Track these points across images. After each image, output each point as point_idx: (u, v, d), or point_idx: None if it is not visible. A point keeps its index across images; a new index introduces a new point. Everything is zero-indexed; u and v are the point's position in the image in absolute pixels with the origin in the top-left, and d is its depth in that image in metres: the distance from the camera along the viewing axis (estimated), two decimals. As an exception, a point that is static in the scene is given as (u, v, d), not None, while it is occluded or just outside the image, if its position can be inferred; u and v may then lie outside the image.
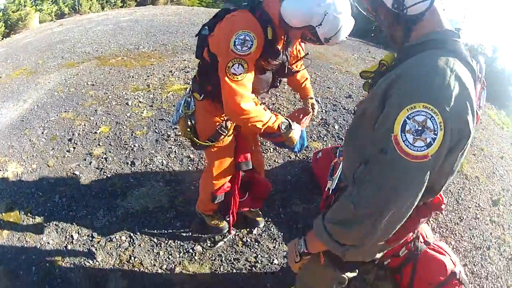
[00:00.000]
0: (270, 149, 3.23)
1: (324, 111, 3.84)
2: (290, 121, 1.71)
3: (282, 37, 1.59)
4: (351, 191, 0.92)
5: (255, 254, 2.37)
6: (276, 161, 3.12)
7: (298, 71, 1.90)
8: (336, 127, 3.59)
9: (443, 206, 1.16)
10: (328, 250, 1.14)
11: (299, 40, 1.65)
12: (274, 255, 2.37)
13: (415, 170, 0.81)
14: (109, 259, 2.37)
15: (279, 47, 1.59)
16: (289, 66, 1.70)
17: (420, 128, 0.78)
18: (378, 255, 1.23)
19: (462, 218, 3.09)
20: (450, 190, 3.33)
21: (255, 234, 2.48)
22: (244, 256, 2.35)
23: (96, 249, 2.41)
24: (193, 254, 2.38)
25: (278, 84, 1.81)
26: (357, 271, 1.35)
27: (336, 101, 4.05)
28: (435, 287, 2.24)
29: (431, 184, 0.87)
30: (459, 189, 3.39)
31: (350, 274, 1.33)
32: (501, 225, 3.22)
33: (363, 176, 0.89)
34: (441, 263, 2.26)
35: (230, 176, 2.01)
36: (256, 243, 2.44)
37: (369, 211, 0.86)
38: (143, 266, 2.34)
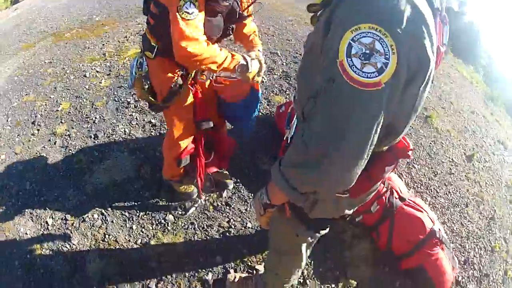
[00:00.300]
0: None
1: (284, 63, 3.66)
2: (249, 59, 1.59)
3: None
4: (301, 129, 0.83)
5: (227, 219, 2.20)
6: None
7: (249, 15, 1.73)
8: (296, 77, 3.17)
9: (410, 153, 1.03)
10: (294, 206, 1.10)
11: None
12: (247, 218, 2.21)
13: (367, 99, 0.70)
14: (84, 241, 2.25)
15: None
16: (240, 12, 1.59)
17: (368, 52, 0.69)
18: (347, 211, 1.15)
19: (436, 173, 2.93)
20: (421, 143, 3.15)
21: (225, 197, 2.30)
22: (217, 222, 2.17)
23: (71, 232, 2.29)
24: (166, 225, 2.21)
25: (231, 33, 1.69)
26: (327, 228, 1.26)
27: (297, 53, 3.84)
28: (415, 246, 2.10)
29: (392, 122, 0.80)
30: (430, 143, 3.20)
31: (320, 232, 1.26)
32: (477, 182, 3.09)
33: (312, 111, 0.79)
34: (419, 220, 2.11)
35: (192, 137, 1.86)
36: (228, 207, 2.26)
37: (321, 148, 0.75)
38: (118, 243, 2.22)
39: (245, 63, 1.57)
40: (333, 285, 2.06)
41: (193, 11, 1.31)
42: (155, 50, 1.58)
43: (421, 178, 2.86)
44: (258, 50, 1.80)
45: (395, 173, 2.78)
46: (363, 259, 2.19)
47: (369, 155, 0.76)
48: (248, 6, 1.69)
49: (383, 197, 2.12)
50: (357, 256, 2.18)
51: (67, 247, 2.22)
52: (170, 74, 1.63)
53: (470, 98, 4.40)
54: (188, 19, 1.30)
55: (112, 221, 2.31)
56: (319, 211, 1.10)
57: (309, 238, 1.28)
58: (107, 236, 2.24)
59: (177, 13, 1.30)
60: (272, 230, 1.38)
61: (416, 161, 2.97)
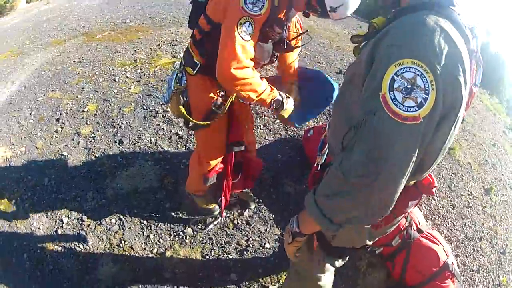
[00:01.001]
0: (260, 126, 3.05)
1: None
2: (284, 97, 1.57)
3: (285, 6, 1.46)
4: (340, 160, 0.84)
5: (246, 238, 2.25)
6: (267, 138, 2.95)
7: (297, 47, 1.74)
8: (332, 107, 3.25)
9: (434, 190, 1.06)
10: (319, 235, 1.10)
11: (301, 11, 1.54)
12: (266, 239, 2.26)
13: (406, 133, 0.74)
14: (99, 243, 2.29)
15: (281, 16, 1.46)
16: (287, 41, 1.58)
17: (409, 86, 0.72)
18: (368, 242, 1.18)
19: (454, 206, 2.95)
20: (442, 176, 3.20)
21: (246, 216, 2.35)
22: (235, 240, 2.23)
23: (86, 233, 2.33)
24: (184, 237, 2.27)
25: (275, 60, 1.66)
26: (347, 258, 1.29)
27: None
28: (428, 278, 2.13)
29: (421, 158, 0.80)
30: (451, 175, 3.24)
31: (339, 261, 1.28)
32: (493, 216, 3.10)
33: (352, 141, 0.81)
34: (434, 253, 2.15)
35: (222, 157, 1.87)
36: (247, 226, 2.31)
37: (360, 179, 0.78)
38: (133, 250, 2.26)
39: (280, 99, 1.55)
40: None
41: (250, 33, 1.29)
42: (198, 67, 1.54)
43: (439, 210, 2.87)
44: (293, 84, 1.80)
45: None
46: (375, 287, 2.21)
47: (402, 188, 0.79)
48: (296, 37, 1.70)
49: (401, 228, 2.15)
50: (371, 285, 2.21)
51: (80, 248, 2.25)
52: (211, 94, 1.60)
53: (492, 129, 4.39)
54: (244, 40, 1.27)
55: (130, 228, 2.34)
56: (342, 239, 1.14)
57: (329, 265, 1.30)
58: (122, 241, 2.27)
59: (236, 31, 1.25)
60: (296, 262, 1.38)
61: (436, 193, 3.00)
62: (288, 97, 1.61)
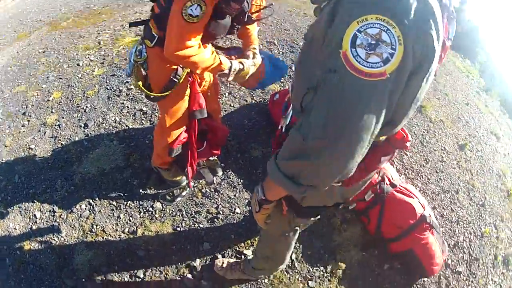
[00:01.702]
0: (225, 94, 2.98)
1: (281, 53, 3.67)
2: (245, 63, 1.62)
3: None
4: (300, 122, 0.81)
5: (216, 205, 2.16)
6: (232, 105, 2.88)
7: (258, 20, 1.76)
8: (294, 68, 3.20)
9: (408, 144, 1.02)
10: (288, 197, 1.08)
11: None
12: (236, 204, 2.18)
13: (370, 89, 0.69)
14: (72, 232, 2.21)
15: None
16: (249, 14, 1.57)
17: (373, 42, 0.68)
18: (340, 199, 1.16)
19: (428, 161, 2.97)
20: (414, 132, 3.20)
21: (214, 184, 2.25)
22: (205, 208, 2.13)
23: (59, 224, 2.25)
24: (154, 213, 2.17)
25: (235, 31, 1.65)
26: (318, 217, 1.27)
27: (294, 42, 3.86)
28: (405, 231, 2.11)
29: (392, 113, 0.76)
30: (423, 132, 3.25)
31: (311, 221, 1.27)
32: (468, 170, 3.15)
33: (311, 102, 0.77)
34: (409, 206, 2.13)
35: (185, 126, 1.83)
36: (216, 193, 2.22)
37: (320, 141, 0.74)
38: (105, 233, 2.18)
39: (237, 67, 1.58)
40: (322, 268, 2.03)
41: (198, 15, 1.29)
42: (156, 39, 1.55)
43: (412, 165, 2.87)
44: (254, 49, 1.79)
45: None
46: (352, 243, 2.17)
47: (369, 146, 0.76)
48: (258, 11, 1.69)
49: (373, 182, 2.11)
50: (346, 240, 2.17)
51: (55, 240, 2.18)
52: (169, 65, 1.61)
53: (465, 90, 4.43)
54: (190, 22, 1.28)
55: (100, 211, 2.26)
56: (312, 200, 1.11)
57: (301, 225, 1.29)
58: (94, 226, 2.20)
59: (181, 14, 1.27)
60: (269, 226, 1.35)
61: (409, 146, 3.00)
62: (247, 60, 1.65)
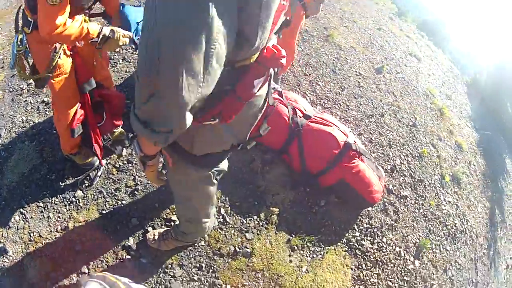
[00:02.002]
0: (119, 61, 2.85)
1: None
2: (115, 30, 1.59)
3: None
4: None
5: (132, 177, 2.07)
6: (128, 71, 2.75)
7: None
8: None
9: (283, 60, 0.92)
10: (178, 148, 1.05)
11: None
12: None
13: (190, 10, 0.62)
14: (17, 248, 2.08)
15: None
16: None
17: None
18: (233, 140, 1.10)
19: (343, 88, 2.93)
20: (323, 61, 3.14)
21: (125, 155, 2.15)
22: (123, 183, 2.03)
23: (4, 244, 2.11)
24: (77, 202, 2.06)
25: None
26: (221, 163, 1.24)
27: None
28: (331, 162, 2.03)
29: (242, 33, 0.73)
30: (333, 60, 3.20)
31: (214, 168, 1.23)
32: (391, 92, 3.10)
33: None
34: (329, 135, 2.06)
35: (78, 103, 1.80)
36: (130, 165, 2.12)
37: (145, 78, 0.70)
38: (42, 237, 2.06)
39: (106, 33, 1.56)
40: (255, 217, 1.97)
41: None
42: (32, 24, 1.54)
43: (327, 94, 2.81)
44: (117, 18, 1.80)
45: (298, 93, 2.73)
46: (279, 184, 2.11)
47: (214, 70, 0.70)
48: None
49: (285, 118, 2.03)
50: (272, 183, 2.10)
51: (6, 262, 2.05)
52: (47, 45, 1.60)
53: (376, 16, 4.39)
54: (53, 4, 1.30)
55: (32, 217, 2.13)
56: (202, 147, 1.05)
57: (204, 177, 1.23)
58: (31, 234, 2.08)
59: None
60: (170, 181, 1.32)
61: (320, 79, 2.92)
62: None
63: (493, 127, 4.56)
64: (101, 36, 1.53)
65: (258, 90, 0.92)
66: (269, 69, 0.93)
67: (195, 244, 1.86)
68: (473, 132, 3.89)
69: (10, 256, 2.02)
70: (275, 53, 0.91)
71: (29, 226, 2.09)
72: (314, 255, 2.03)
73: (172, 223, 1.89)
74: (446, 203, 2.89)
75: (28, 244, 2.05)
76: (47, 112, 2.49)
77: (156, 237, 1.79)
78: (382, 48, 3.66)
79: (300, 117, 2.07)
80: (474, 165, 3.48)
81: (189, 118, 0.77)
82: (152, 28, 0.65)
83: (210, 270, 1.84)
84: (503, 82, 5.23)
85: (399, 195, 2.50)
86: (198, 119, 0.89)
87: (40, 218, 2.10)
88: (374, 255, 2.24)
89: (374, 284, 2.21)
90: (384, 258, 2.29)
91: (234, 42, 0.72)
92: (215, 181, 1.31)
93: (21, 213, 2.15)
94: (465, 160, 3.37)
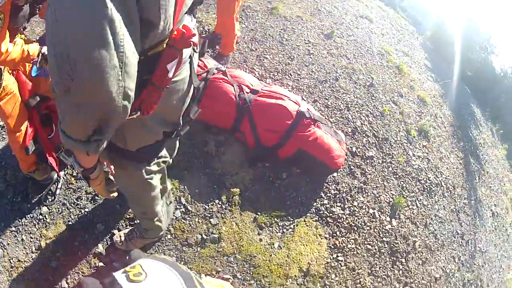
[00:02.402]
0: None
1: None
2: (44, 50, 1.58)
3: None
4: None
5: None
6: None
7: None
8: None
9: (194, 39, 0.91)
10: (115, 149, 1.05)
11: None
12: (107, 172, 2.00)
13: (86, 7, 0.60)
14: (2, 277, 2.07)
15: None
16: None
17: None
18: (165, 128, 1.09)
19: (293, 57, 2.89)
20: (269, 34, 3.09)
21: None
22: (83, 190, 2.04)
23: None
24: (45, 218, 2.06)
25: (37, 12, 1.64)
26: (162, 155, 1.23)
27: None
28: (286, 133, 2.02)
29: (146, 18, 0.72)
30: (280, 31, 3.16)
31: (156, 160, 1.22)
32: (343, 55, 3.08)
33: None
34: (279, 107, 2.03)
35: (27, 119, 1.82)
36: None
37: (60, 88, 0.68)
38: (21, 262, 2.05)
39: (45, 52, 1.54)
40: (217, 201, 1.97)
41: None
42: None
43: (276, 66, 2.77)
44: None
45: (246, 70, 2.72)
46: (237, 164, 2.11)
47: (130, 60, 0.69)
48: None
49: (231, 96, 2.00)
50: (229, 164, 2.09)
51: None
52: None
53: None
54: None
55: (8, 244, 2.12)
56: (134, 141, 1.04)
57: (145, 171, 1.21)
58: (11, 261, 2.06)
59: None
60: (118, 181, 1.30)
61: (268, 52, 2.89)
62: None
63: (455, 78, 4.61)
64: (40, 56, 1.55)
65: (174, 75, 0.91)
66: (181, 51, 0.90)
67: (162, 239, 1.87)
68: (435, 85, 3.93)
69: (-1, 287, 2.06)
70: (184, 33, 0.90)
71: (8, 253, 2.07)
72: (284, 230, 2.05)
73: (136, 221, 1.90)
74: (416, 158, 2.92)
75: (11, 271, 2.04)
76: (3, 135, 2.44)
77: (123, 238, 1.80)
78: (330, 14, 3.64)
79: (247, 92, 2.05)
80: (441, 117, 3.53)
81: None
82: (54, 33, 0.64)
83: (182, 262, 1.84)
84: (459, 33, 5.28)
85: (364, 156, 2.52)
86: None
87: (16, 243, 2.09)
88: (347, 221, 2.27)
89: (352, 249, 2.23)
90: (358, 222, 2.32)
91: (140, 29, 0.72)
92: (156, 175, 1.30)
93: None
94: (431, 113, 3.41)
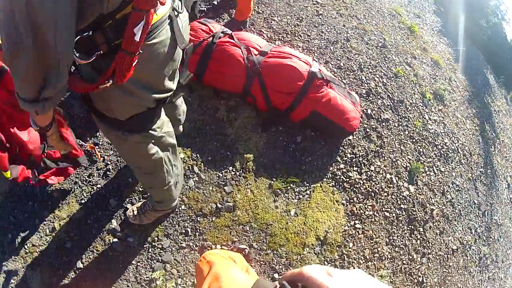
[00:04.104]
0: None
1: None
2: None
3: None
4: None
5: (101, 158, 1.99)
6: None
7: None
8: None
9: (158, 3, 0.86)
10: (103, 118, 1.05)
11: None
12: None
13: None
14: (17, 265, 2.05)
15: None
16: None
17: None
18: (154, 93, 1.03)
19: (301, 18, 2.77)
20: None
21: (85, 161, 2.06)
22: (94, 167, 1.97)
23: (5, 265, 2.09)
24: (58, 199, 2.00)
25: None
26: (158, 118, 1.17)
27: None
28: (298, 95, 1.94)
29: None
30: None
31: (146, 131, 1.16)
32: (353, 16, 2.97)
33: None
34: (290, 68, 1.94)
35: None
36: (96, 147, 2.03)
37: (8, 48, 0.69)
38: (36, 246, 2.01)
39: None
40: (230, 168, 1.91)
41: None
42: None
43: (285, 28, 2.67)
44: None
45: (254, 33, 2.61)
46: (249, 129, 2.03)
47: (73, 25, 0.71)
48: None
49: (239, 59, 1.92)
50: (242, 129, 2.02)
51: (12, 282, 2.01)
52: None
53: None
54: None
55: (22, 228, 2.10)
56: (122, 110, 1.02)
57: (140, 142, 1.18)
58: (26, 246, 2.04)
59: None
60: (119, 153, 1.34)
61: (275, 14, 2.78)
62: None
63: (468, 43, 4.45)
64: None
65: (143, 38, 0.84)
66: (147, 12, 0.83)
67: (176, 210, 1.82)
68: (448, 48, 3.80)
69: (16, 276, 1.99)
70: None
71: (22, 239, 2.08)
72: (300, 196, 2.00)
73: (148, 194, 1.85)
74: (432, 122, 2.83)
75: (25, 257, 2.03)
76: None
77: (136, 212, 1.77)
78: (339, -27, 3.50)
79: (256, 55, 1.97)
80: (455, 81, 3.41)
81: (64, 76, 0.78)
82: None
83: (197, 233, 1.82)
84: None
85: (380, 119, 2.43)
86: (94, 84, 0.86)
87: (29, 227, 2.10)
88: (364, 186, 2.20)
89: (370, 217, 2.18)
90: (375, 188, 2.25)
91: None
92: (156, 146, 1.26)
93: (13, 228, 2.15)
94: (445, 77, 3.30)
